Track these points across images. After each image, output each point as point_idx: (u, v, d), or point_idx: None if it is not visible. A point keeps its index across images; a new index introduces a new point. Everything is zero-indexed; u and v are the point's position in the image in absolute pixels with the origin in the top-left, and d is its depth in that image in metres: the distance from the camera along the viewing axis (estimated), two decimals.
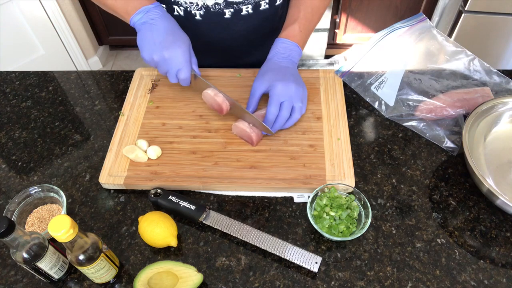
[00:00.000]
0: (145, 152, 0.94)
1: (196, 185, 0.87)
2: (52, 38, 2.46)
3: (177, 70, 0.82)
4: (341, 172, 0.88)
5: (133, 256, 0.80)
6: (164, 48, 0.79)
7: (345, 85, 1.12)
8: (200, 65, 0.99)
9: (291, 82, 0.86)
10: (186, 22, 0.98)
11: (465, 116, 0.99)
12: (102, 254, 0.69)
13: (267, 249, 0.78)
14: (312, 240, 0.83)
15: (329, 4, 0.98)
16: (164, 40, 0.80)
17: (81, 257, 0.66)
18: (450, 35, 2.37)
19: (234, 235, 0.81)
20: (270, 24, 1.06)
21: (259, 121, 0.88)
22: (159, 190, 0.87)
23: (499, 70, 1.07)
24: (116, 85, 1.13)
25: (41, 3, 2.42)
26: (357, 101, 0.95)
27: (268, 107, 0.88)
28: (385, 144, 0.99)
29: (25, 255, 0.67)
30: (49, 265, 0.71)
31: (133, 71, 1.12)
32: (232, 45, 1.07)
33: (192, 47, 0.93)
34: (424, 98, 1.01)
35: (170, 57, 0.80)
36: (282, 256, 0.77)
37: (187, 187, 0.88)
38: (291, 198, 0.89)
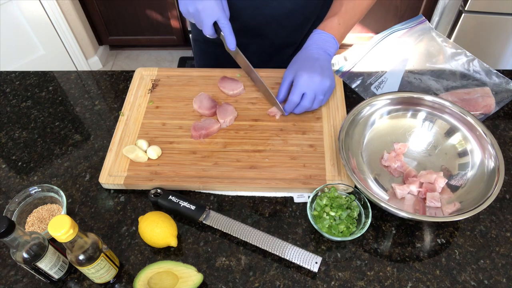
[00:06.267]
0: (145, 152, 1.01)
1: (196, 185, 0.96)
2: (52, 38, 2.67)
3: (212, 22, 0.92)
4: (341, 172, 1.01)
5: (133, 256, 0.88)
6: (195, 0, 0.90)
7: (345, 85, 1.18)
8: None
9: (316, 73, 0.97)
10: None
11: None
12: (102, 254, 0.75)
13: (267, 249, 0.86)
14: (312, 240, 0.91)
15: (373, 3, 1.13)
16: None
17: (81, 257, 0.72)
18: (450, 35, 2.49)
19: (234, 235, 0.89)
20: (304, 13, 1.17)
21: (274, 100, 1.07)
22: (159, 190, 0.95)
23: (498, 70, 1.21)
24: (116, 85, 1.24)
25: (41, 3, 2.60)
26: (357, 101, 1.09)
27: (289, 95, 1.01)
28: None
29: (25, 255, 0.73)
30: (49, 265, 0.77)
31: (133, 71, 1.22)
32: (263, 26, 1.18)
33: None
34: None
35: (204, 7, 0.90)
36: (282, 256, 0.85)
37: (187, 187, 0.97)
38: (291, 198, 0.97)
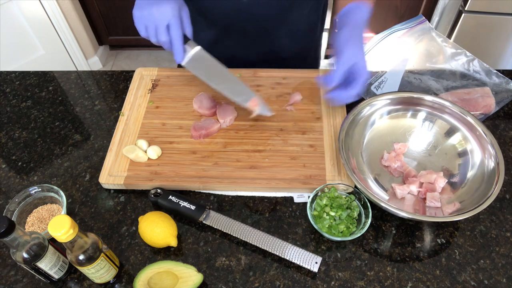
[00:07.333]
0: (145, 152, 1.01)
1: (196, 185, 0.96)
2: (52, 38, 2.66)
3: (165, 26, 0.88)
4: (341, 172, 1.01)
5: (133, 256, 0.88)
6: (152, 3, 0.88)
7: None
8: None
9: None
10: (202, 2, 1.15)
11: None
12: (102, 254, 0.76)
13: (267, 249, 0.86)
14: (312, 240, 0.91)
15: None
16: None
17: (81, 257, 0.73)
18: (450, 35, 2.49)
19: (234, 235, 0.89)
20: (287, 19, 1.14)
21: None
22: (159, 190, 0.95)
23: (498, 70, 1.21)
24: (116, 85, 1.25)
25: (41, 3, 2.61)
26: (357, 101, 1.11)
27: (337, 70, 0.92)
28: None
29: (25, 255, 0.73)
30: (49, 265, 0.78)
31: (133, 71, 1.22)
32: (249, 31, 1.15)
33: (209, 33, 1.05)
34: None
35: (158, 10, 0.88)
36: (282, 256, 0.85)
37: (187, 187, 0.97)
38: (291, 198, 0.97)
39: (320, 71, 1.21)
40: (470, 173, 0.96)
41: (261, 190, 0.98)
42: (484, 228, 0.98)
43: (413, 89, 1.20)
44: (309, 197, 0.93)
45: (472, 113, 1.10)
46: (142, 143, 1.03)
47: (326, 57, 3.11)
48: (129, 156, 1.01)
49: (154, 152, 1.02)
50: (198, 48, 0.98)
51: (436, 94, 1.15)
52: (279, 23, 1.14)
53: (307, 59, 1.43)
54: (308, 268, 0.85)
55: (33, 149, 1.10)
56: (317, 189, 0.92)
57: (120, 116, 1.10)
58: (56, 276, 0.83)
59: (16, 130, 1.14)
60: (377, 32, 1.21)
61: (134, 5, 0.95)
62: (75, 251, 0.74)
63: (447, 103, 0.99)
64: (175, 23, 0.89)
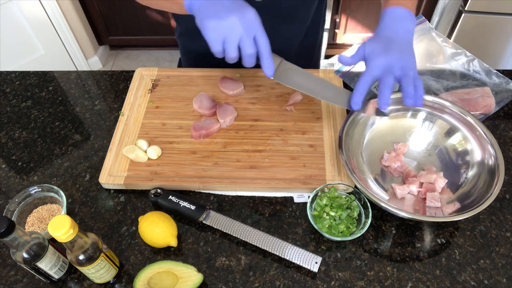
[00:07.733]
0: (145, 152, 1.01)
1: (196, 185, 0.96)
2: (52, 38, 2.69)
3: (252, 37, 0.76)
4: (341, 172, 1.01)
5: (133, 256, 0.89)
6: (233, 10, 0.74)
7: (345, 85, 1.17)
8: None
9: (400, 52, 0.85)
10: None
11: None
12: (102, 254, 0.76)
13: (267, 249, 0.86)
14: (312, 240, 0.91)
15: None
16: (232, 4, 0.75)
17: (81, 257, 0.73)
18: (450, 35, 2.50)
19: (234, 235, 0.89)
20: (296, 16, 1.13)
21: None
22: (159, 190, 0.95)
23: (498, 70, 1.21)
24: (116, 85, 1.25)
25: (41, 3, 2.62)
26: None
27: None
28: None
29: (25, 255, 0.73)
30: (49, 265, 0.78)
31: (133, 71, 1.22)
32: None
33: None
34: None
35: (244, 18, 0.74)
36: (282, 256, 0.85)
37: (187, 187, 0.97)
38: (291, 198, 0.97)
39: (320, 71, 1.20)
40: (470, 173, 0.96)
41: (261, 190, 0.97)
42: (484, 228, 0.98)
43: None
44: (309, 197, 0.93)
45: (472, 113, 1.10)
46: (142, 143, 1.03)
47: (326, 57, 3.11)
48: (129, 156, 1.00)
49: (154, 152, 1.01)
50: (280, 58, 0.91)
51: (436, 94, 1.15)
52: (287, 22, 1.13)
53: (310, 58, 1.43)
54: (308, 268, 0.85)
55: (33, 149, 1.10)
56: (317, 189, 0.92)
57: (120, 116, 1.10)
58: (56, 276, 0.83)
59: (16, 130, 1.14)
60: None
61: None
62: (75, 251, 0.73)
63: (447, 103, 0.99)
64: (263, 33, 0.78)
